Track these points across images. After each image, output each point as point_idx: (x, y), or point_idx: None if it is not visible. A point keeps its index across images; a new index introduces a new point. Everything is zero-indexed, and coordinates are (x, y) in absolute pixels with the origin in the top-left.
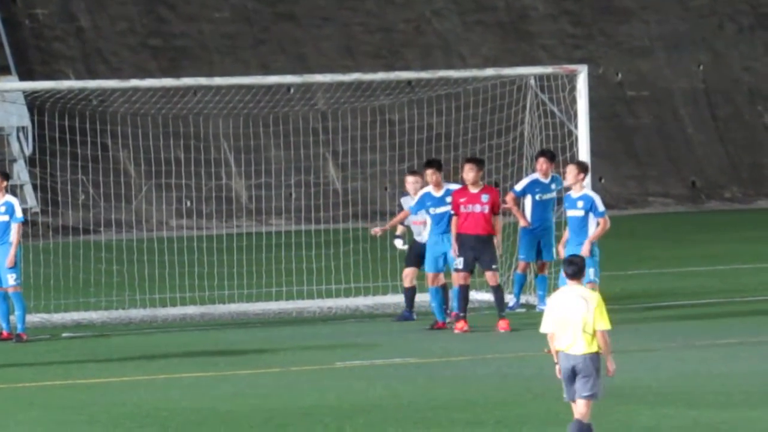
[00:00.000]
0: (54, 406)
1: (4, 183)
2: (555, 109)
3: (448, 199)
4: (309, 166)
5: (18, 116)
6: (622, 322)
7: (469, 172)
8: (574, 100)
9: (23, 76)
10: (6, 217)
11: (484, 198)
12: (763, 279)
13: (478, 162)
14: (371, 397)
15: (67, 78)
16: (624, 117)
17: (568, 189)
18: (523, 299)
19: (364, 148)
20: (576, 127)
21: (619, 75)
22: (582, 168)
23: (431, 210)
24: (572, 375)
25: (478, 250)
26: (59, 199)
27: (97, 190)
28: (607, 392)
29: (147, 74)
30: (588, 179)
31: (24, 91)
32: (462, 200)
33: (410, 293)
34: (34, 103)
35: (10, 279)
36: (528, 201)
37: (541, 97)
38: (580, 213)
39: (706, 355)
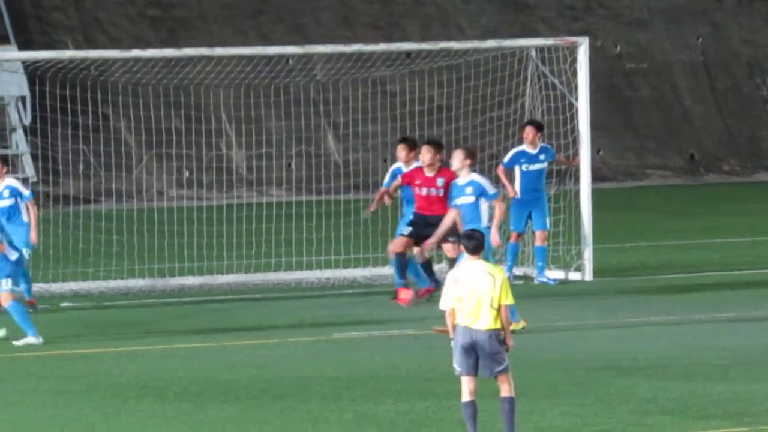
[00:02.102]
0: (52, 375)
1: (4, 168)
2: (556, 81)
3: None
4: (308, 137)
5: (17, 86)
6: (620, 295)
7: (425, 154)
8: (574, 73)
9: (22, 46)
10: (12, 200)
11: (440, 182)
12: (760, 252)
13: (436, 145)
14: (369, 368)
15: (66, 48)
16: (622, 89)
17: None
18: (520, 271)
19: (364, 120)
20: (576, 99)
21: (618, 47)
22: (469, 154)
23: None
24: (471, 349)
25: (435, 227)
26: (59, 168)
27: (96, 159)
28: (606, 364)
29: (146, 44)
30: (587, 152)
31: (23, 61)
32: (417, 182)
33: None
34: (34, 72)
35: (25, 254)
36: (517, 172)
37: (542, 69)
38: (471, 199)
39: (704, 328)
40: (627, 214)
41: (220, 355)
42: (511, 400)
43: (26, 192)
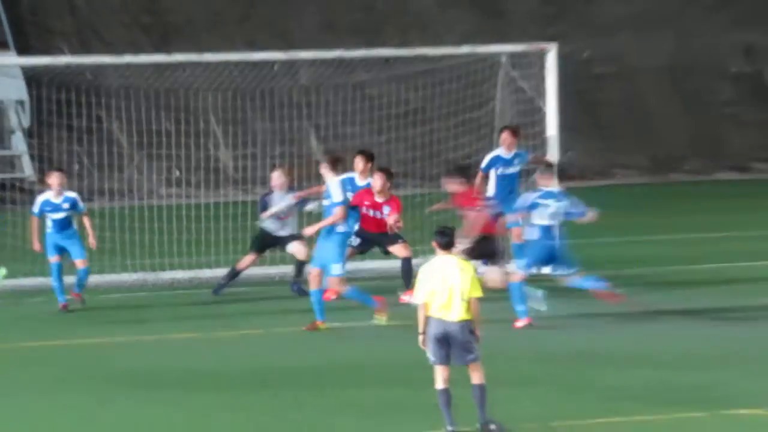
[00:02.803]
0: (51, 365)
1: (64, 180)
2: (525, 86)
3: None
4: (291, 138)
5: (16, 90)
6: (579, 289)
7: (377, 180)
8: (543, 77)
9: (21, 51)
10: (67, 213)
11: (386, 210)
12: (721, 248)
13: (387, 172)
14: (352, 357)
15: (63, 53)
16: (592, 92)
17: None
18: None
19: (344, 122)
20: (545, 102)
21: (588, 52)
22: (332, 161)
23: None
24: (444, 339)
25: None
26: (55, 166)
27: (90, 160)
28: (576, 354)
29: (138, 49)
30: (556, 152)
31: (22, 66)
32: (366, 203)
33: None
34: (32, 77)
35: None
36: (492, 175)
37: (513, 74)
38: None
39: (666, 320)
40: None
41: (210, 345)
42: (481, 387)
43: (81, 204)
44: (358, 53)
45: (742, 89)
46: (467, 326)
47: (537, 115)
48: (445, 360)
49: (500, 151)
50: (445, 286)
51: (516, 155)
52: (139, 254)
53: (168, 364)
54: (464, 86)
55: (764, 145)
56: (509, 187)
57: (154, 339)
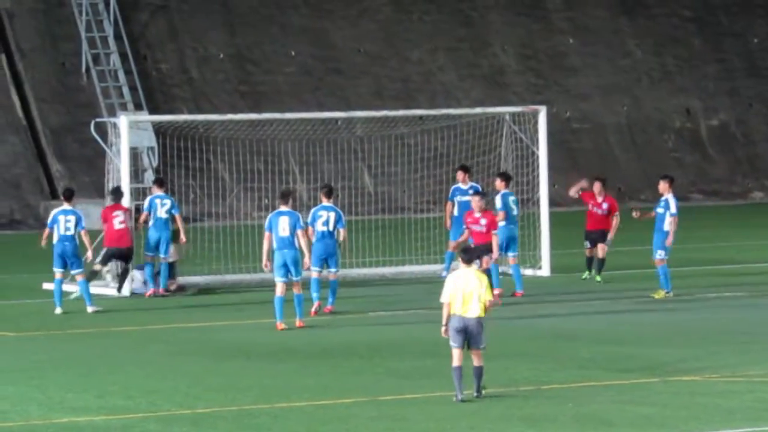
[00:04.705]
0: (168, 342)
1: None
2: (523, 137)
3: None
4: (350, 175)
5: (148, 139)
6: (569, 286)
7: (476, 203)
8: (536, 131)
9: (151, 111)
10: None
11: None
12: (670, 256)
13: (481, 194)
14: (393, 337)
15: (182, 112)
16: (571, 142)
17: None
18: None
19: (389, 163)
20: (538, 149)
21: (568, 113)
22: (284, 192)
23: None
24: (463, 331)
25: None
26: (176, 197)
27: (202, 191)
28: (558, 333)
29: (237, 110)
30: (545, 186)
31: (152, 122)
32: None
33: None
34: (160, 130)
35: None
36: (456, 202)
37: (514, 128)
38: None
39: (627, 309)
40: (573, 229)
41: (287, 328)
42: (480, 368)
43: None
44: (399, 113)
45: (683, 139)
46: (482, 321)
47: (532, 158)
48: (462, 345)
49: (459, 184)
50: (466, 292)
51: (471, 186)
52: (238, 260)
53: (257, 341)
54: (477, 137)
55: (698, 182)
56: (466, 210)
57: (249, 323)
